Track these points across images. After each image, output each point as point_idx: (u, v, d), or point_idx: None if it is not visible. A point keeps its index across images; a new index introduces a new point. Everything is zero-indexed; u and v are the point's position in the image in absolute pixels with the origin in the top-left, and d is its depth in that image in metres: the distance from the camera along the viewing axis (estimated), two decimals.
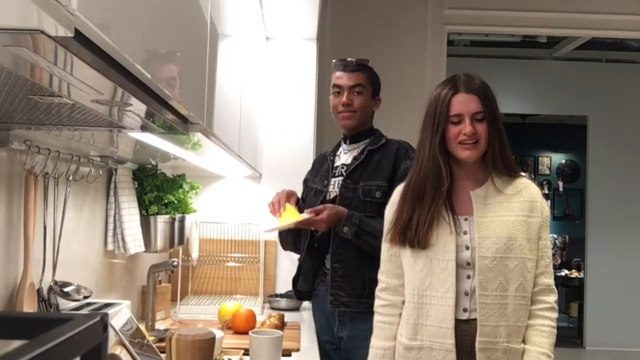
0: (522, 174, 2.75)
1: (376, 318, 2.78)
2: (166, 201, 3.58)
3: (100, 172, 2.95)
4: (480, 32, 8.10)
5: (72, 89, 1.25)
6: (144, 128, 1.86)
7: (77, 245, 2.84)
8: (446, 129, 2.57)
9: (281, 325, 3.54)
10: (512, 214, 2.57)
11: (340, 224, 3.25)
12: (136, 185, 3.48)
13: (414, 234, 2.58)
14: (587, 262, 10.17)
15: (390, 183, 3.22)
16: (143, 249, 3.36)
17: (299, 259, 3.62)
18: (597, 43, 9.03)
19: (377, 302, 2.79)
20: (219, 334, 2.85)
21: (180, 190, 3.73)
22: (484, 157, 2.62)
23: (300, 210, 3.51)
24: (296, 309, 4.30)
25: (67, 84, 1.21)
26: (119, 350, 2.43)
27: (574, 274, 11.65)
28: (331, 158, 3.60)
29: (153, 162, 3.62)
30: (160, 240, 3.56)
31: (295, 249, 3.66)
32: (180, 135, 1.99)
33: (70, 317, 0.90)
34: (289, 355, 3.13)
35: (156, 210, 3.51)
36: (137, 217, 3.35)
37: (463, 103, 2.54)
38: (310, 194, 3.61)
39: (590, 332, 10.04)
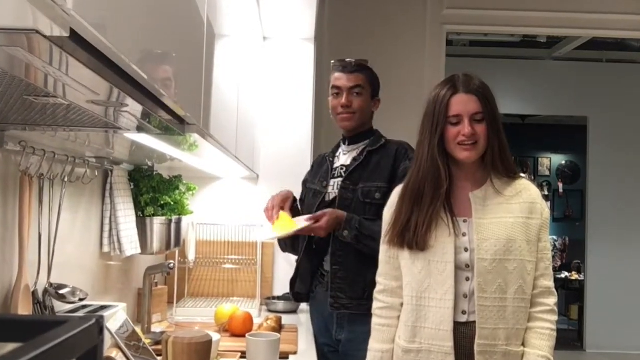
0: (522, 175, 2.75)
1: (374, 320, 2.78)
2: (162, 202, 3.58)
3: (96, 174, 2.95)
4: (479, 32, 8.11)
5: (67, 89, 1.25)
6: (140, 129, 1.86)
7: (72, 247, 2.84)
8: (445, 130, 2.57)
9: (278, 327, 3.54)
10: (511, 215, 2.57)
11: (339, 228, 3.25)
12: (132, 187, 3.48)
13: (413, 236, 2.58)
14: (588, 264, 10.18)
15: (390, 184, 3.22)
16: (139, 250, 3.36)
17: (297, 260, 3.62)
18: (597, 43, 9.04)
19: (375, 305, 2.79)
20: (215, 336, 2.85)
21: (177, 192, 3.73)
22: (483, 158, 2.62)
23: (299, 212, 3.52)
24: (294, 311, 4.30)
25: (62, 84, 1.20)
26: (114, 353, 2.43)
27: (574, 276, 11.66)
28: (330, 159, 3.59)
29: (149, 163, 3.61)
30: (156, 242, 3.55)
31: (293, 251, 3.66)
32: (176, 136, 1.99)
33: (65, 319, 0.90)
34: (287, 358, 3.13)
35: (152, 212, 3.51)
36: (133, 218, 3.35)
37: (462, 104, 2.54)
38: (309, 195, 3.61)
39: (590, 334, 10.04)
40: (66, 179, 2.57)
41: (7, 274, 2.24)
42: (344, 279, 3.30)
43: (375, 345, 2.74)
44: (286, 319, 3.83)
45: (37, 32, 0.86)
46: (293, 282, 3.62)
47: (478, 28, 6.50)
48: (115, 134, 2.04)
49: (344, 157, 3.54)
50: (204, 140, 2.15)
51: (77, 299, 2.55)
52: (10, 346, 0.80)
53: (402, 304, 2.70)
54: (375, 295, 2.80)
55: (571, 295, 11.43)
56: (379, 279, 2.80)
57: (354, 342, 3.24)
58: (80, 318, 0.91)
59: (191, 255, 4.38)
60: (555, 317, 2.60)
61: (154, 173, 3.63)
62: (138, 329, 2.85)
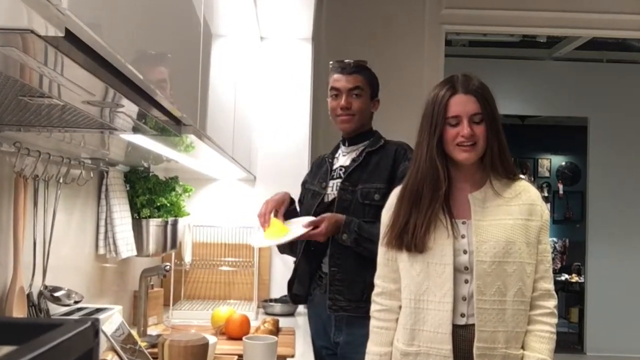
0: (522, 176, 2.75)
1: (372, 323, 2.77)
2: (158, 204, 3.58)
3: (92, 175, 2.95)
4: (478, 32, 8.10)
5: (62, 89, 1.25)
6: (135, 130, 1.86)
7: (67, 249, 2.84)
8: (444, 131, 2.56)
9: (276, 330, 3.54)
10: (511, 217, 2.57)
11: (339, 231, 3.25)
12: (128, 188, 3.47)
13: (411, 238, 2.57)
14: (588, 267, 10.18)
15: (389, 185, 3.21)
16: (135, 253, 3.36)
17: (295, 262, 3.61)
18: (597, 43, 9.04)
19: (373, 307, 2.79)
20: (212, 339, 2.85)
21: (173, 193, 3.73)
22: (483, 159, 2.61)
23: (297, 214, 3.51)
24: (291, 314, 4.30)
25: (57, 84, 1.21)
26: (110, 357, 2.43)
27: (574, 278, 11.65)
28: (330, 160, 3.59)
29: (145, 165, 3.62)
30: (152, 244, 3.55)
31: (291, 253, 3.65)
32: (172, 137, 1.99)
33: (60, 322, 0.90)
34: None
35: (148, 214, 3.51)
36: (129, 220, 3.35)
37: (461, 104, 2.54)
38: (308, 196, 3.61)
39: (590, 337, 10.04)
40: (61, 181, 2.57)
41: (2, 276, 2.24)
42: (342, 281, 3.30)
43: (373, 348, 2.74)
44: (283, 322, 3.83)
45: (32, 32, 0.86)
46: (291, 283, 3.62)
47: (477, 28, 6.51)
48: (110, 134, 2.04)
49: (343, 158, 3.53)
50: (200, 141, 2.15)
51: (72, 301, 2.55)
52: (5, 349, 0.80)
53: (400, 307, 2.70)
54: (373, 297, 2.80)
55: (571, 298, 11.43)
56: (377, 281, 2.79)
57: (352, 345, 3.24)
58: (76, 321, 0.91)
59: (187, 258, 4.38)
60: (555, 320, 2.59)
61: (150, 174, 3.63)
62: (134, 332, 2.85)
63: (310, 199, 3.56)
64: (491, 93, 2.62)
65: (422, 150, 2.61)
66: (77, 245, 2.99)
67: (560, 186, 13.26)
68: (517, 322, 2.52)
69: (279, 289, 4.47)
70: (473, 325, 2.50)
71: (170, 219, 3.67)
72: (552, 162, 13.46)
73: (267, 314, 4.27)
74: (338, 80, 3.48)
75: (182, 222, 3.96)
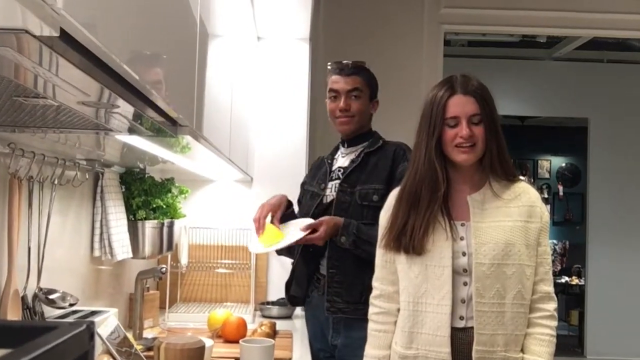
0: (521, 178, 2.75)
1: (370, 326, 2.77)
2: (154, 206, 3.58)
3: (87, 176, 2.95)
4: (477, 32, 8.10)
5: (57, 90, 1.25)
6: (131, 130, 1.87)
7: (62, 251, 2.84)
8: (442, 132, 2.56)
9: (273, 333, 3.54)
10: (510, 219, 2.56)
11: (337, 234, 3.25)
12: (123, 190, 3.48)
13: (409, 240, 2.57)
14: (588, 269, 10.17)
15: (388, 186, 3.21)
16: (130, 255, 3.36)
17: (293, 263, 3.61)
18: (598, 43, 9.04)
19: (371, 310, 2.79)
20: (208, 342, 2.85)
21: (169, 195, 3.73)
22: (482, 160, 2.61)
23: (295, 216, 3.51)
24: (288, 317, 4.30)
25: (52, 85, 1.21)
26: None
27: (575, 280, 11.66)
28: (329, 161, 3.59)
29: (141, 166, 3.62)
30: (148, 246, 3.55)
31: (289, 254, 3.64)
32: (168, 138, 2.00)
33: (55, 325, 0.90)
34: None
35: (144, 215, 3.51)
36: (125, 222, 3.35)
37: (460, 105, 2.54)
38: (307, 197, 3.61)
39: (591, 340, 10.04)
40: (56, 182, 2.57)
41: None
42: (340, 283, 3.30)
43: (371, 351, 2.74)
44: (281, 325, 3.83)
45: (27, 31, 0.86)
46: (288, 285, 3.61)
47: (476, 28, 6.51)
48: (106, 135, 2.04)
49: (342, 160, 3.53)
50: (196, 142, 2.16)
51: (67, 304, 2.55)
52: None
53: (398, 309, 2.69)
54: (371, 300, 2.80)
55: (571, 301, 11.43)
56: (375, 283, 2.79)
57: (349, 348, 3.24)
58: (71, 324, 0.91)
59: (184, 260, 4.38)
60: (555, 323, 2.59)
61: (146, 176, 3.63)
62: (129, 335, 2.85)
63: (308, 200, 3.56)
64: (490, 94, 2.62)
65: (421, 152, 2.61)
66: (72, 247, 2.99)
67: (560, 188, 13.26)
68: (517, 325, 2.52)
69: (276, 291, 4.47)
70: (472, 328, 2.50)
71: (166, 221, 3.67)
72: (552, 163, 13.47)
73: (264, 316, 4.27)
74: (336, 81, 3.48)
75: (178, 223, 3.96)
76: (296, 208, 3.65)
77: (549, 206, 12.86)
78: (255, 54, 4.63)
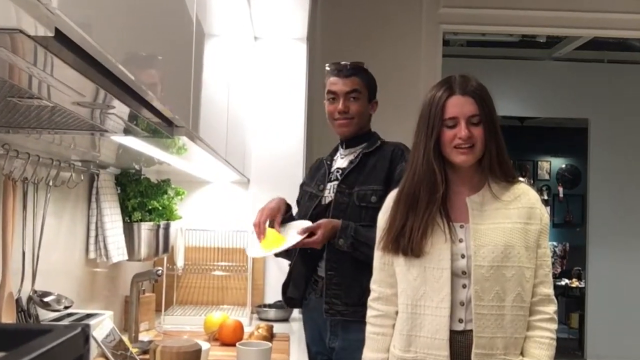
0: (521, 179, 2.75)
1: (368, 329, 2.77)
2: (150, 207, 3.58)
3: (82, 178, 2.95)
4: (476, 32, 8.09)
5: (52, 90, 1.25)
6: (127, 131, 1.87)
7: (57, 254, 2.83)
8: (441, 133, 2.56)
9: (270, 336, 3.54)
10: (509, 221, 2.56)
11: (335, 236, 3.25)
12: (119, 191, 3.47)
13: (408, 242, 2.57)
14: (588, 271, 10.17)
15: (386, 187, 3.21)
16: (126, 257, 3.36)
17: (290, 264, 3.61)
18: (598, 43, 9.04)
19: (369, 313, 2.79)
20: (205, 345, 2.85)
21: (165, 196, 3.73)
22: (481, 162, 2.61)
23: (293, 218, 3.51)
24: (285, 319, 4.30)
25: (47, 85, 1.21)
26: None
27: (575, 283, 11.67)
28: (328, 162, 3.59)
29: (137, 167, 3.61)
30: (144, 248, 3.55)
31: (286, 256, 3.63)
32: (164, 139, 2.00)
33: (50, 328, 0.90)
34: None
35: (140, 217, 3.51)
36: (120, 224, 3.35)
37: (458, 106, 2.54)
38: (305, 198, 3.61)
39: (591, 343, 10.03)
40: (51, 183, 2.57)
41: None
42: (339, 285, 3.30)
43: (369, 355, 2.74)
44: (278, 328, 3.83)
45: (21, 31, 0.86)
46: (285, 286, 3.60)
47: (475, 27, 6.51)
48: (101, 136, 2.04)
49: (341, 161, 3.53)
50: (193, 143, 2.15)
51: (62, 306, 2.55)
52: None
53: (397, 312, 2.69)
54: (369, 303, 2.80)
55: (571, 303, 11.44)
56: (373, 286, 2.79)
57: (347, 351, 3.23)
58: (66, 327, 0.92)
59: (180, 262, 4.38)
60: (555, 326, 2.60)
61: (142, 177, 3.63)
62: (125, 338, 2.85)
63: (307, 201, 3.56)
64: (489, 94, 2.62)
65: (419, 153, 2.61)
66: (67, 250, 2.98)
67: (560, 189, 13.27)
68: (516, 328, 2.52)
69: (273, 294, 4.47)
70: (471, 331, 2.50)
71: (162, 223, 3.66)
72: (551, 164, 13.48)
73: (261, 319, 4.26)
74: (335, 83, 3.47)
75: (174, 225, 3.96)
76: (295, 209, 3.65)
77: (548, 208, 12.86)
78: (252, 54, 4.63)
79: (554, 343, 2.58)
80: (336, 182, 3.43)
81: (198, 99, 2.22)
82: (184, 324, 4.00)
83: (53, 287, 2.59)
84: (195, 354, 2.49)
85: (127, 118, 1.59)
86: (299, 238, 3.22)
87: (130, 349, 2.75)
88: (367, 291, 2.85)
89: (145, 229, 3.54)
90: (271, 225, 3.38)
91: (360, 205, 3.31)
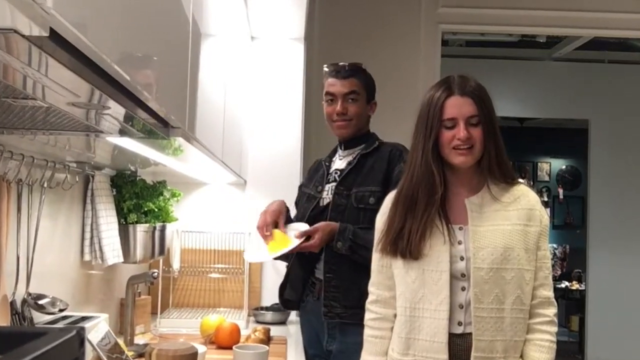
0: (520, 180, 2.75)
1: (366, 332, 2.77)
2: (146, 209, 3.58)
3: (77, 179, 2.95)
4: (476, 32, 8.08)
5: (47, 91, 1.25)
6: (122, 132, 1.87)
7: (52, 256, 2.83)
8: (439, 134, 2.56)
9: (267, 339, 3.54)
10: (509, 222, 2.56)
11: (333, 239, 3.25)
12: (114, 193, 3.47)
13: (406, 244, 2.57)
14: (589, 274, 10.16)
15: (385, 188, 3.21)
16: (122, 259, 3.35)
17: (288, 266, 3.61)
18: (599, 43, 9.03)
19: (367, 316, 2.79)
20: (201, 348, 2.85)
21: (161, 198, 3.72)
22: (480, 163, 2.61)
23: (291, 220, 3.51)
24: (283, 322, 4.30)
25: (41, 86, 1.21)
26: None
27: (575, 285, 11.67)
28: (326, 164, 3.59)
29: (132, 168, 3.61)
30: (139, 250, 3.55)
31: (284, 258, 3.63)
32: (160, 140, 2.00)
33: (45, 331, 0.91)
34: None
35: (135, 219, 3.51)
36: (116, 226, 3.35)
37: (457, 106, 2.54)
38: (303, 199, 3.61)
39: (591, 346, 10.02)
40: (45, 185, 2.56)
41: None
42: (338, 287, 3.30)
43: (367, 358, 2.73)
44: (275, 331, 3.84)
45: (15, 31, 0.86)
46: (282, 288, 3.61)
47: (474, 27, 6.50)
48: (96, 137, 2.04)
49: (340, 162, 3.54)
50: (189, 144, 2.15)
51: (57, 309, 2.54)
52: None
53: (395, 315, 2.69)
54: (368, 305, 2.79)
55: (571, 306, 11.44)
56: (371, 288, 2.79)
57: (345, 354, 3.23)
58: (60, 329, 0.92)
59: (176, 264, 4.38)
60: (555, 329, 2.60)
61: (137, 178, 3.63)
62: (120, 341, 2.85)
63: (305, 203, 3.56)
64: (488, 94, 2.62)
65: (417, 154, 2.61)
66: (62, 252, 2.98)
67: (560, 191, 13.27)
68: (516, 331, 2.52)
69: (270, 296, 4.46)
70: (470, 334, 2.50)
71: (158, 225, 3.66)
72: (551, 165, 13.47)
73: (258, 322, 4.27)
74: (333, 84, 3.48)
75: (170, 227, 3.96)
76: (293, 211, 3.65)
77: (548, 209, 12.85)
78: (249, 54, 4.63)
79: (554, 346, 2.58)
80: (334, 184, 3.43)
81: (194, 100, 2.22)
82: (180, 326, 4.00)
83: (48, 289, 2.59)
84: (191, 357, 2.49)
85: (123, 119, 1.59)
86: (297, 242, 3.22)
87: (126, 352, 2.75)
88: (365, 294, 2.84)
89: (140, 231, 3.54)
90: (275, 227, 3.38)
91: (358, 207, 3.31)
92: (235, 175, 3.91)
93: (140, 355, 3.07)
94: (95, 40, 1.06)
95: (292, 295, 3.55)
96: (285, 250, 3.25)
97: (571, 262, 12.48)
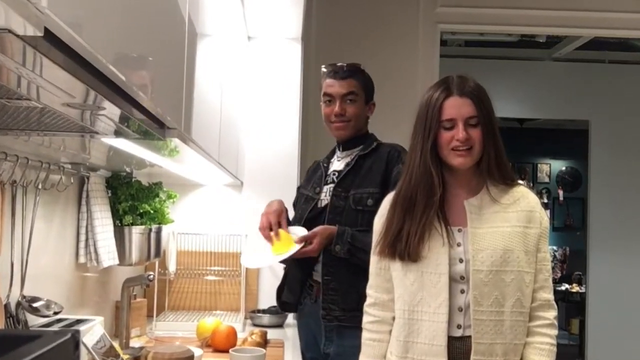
0: (520, 182, 2.75)
1: (364, 335, 2.76)
2: (141, 211, 3.58)
3: (72, 180, 2.95)
4: (475, 32, 8.06)
5: (41, 91, 1.25)
6: (118, 133, 1.87)
7: (46, 258, 2.83)
8: (438, 135, 2.56)
9: (264, 342, 3.54)
10: (508, 224, 2.56)
11: (331, 242, 3.24)
12: (109, 194, 3.47)
13: (405, 246, 2.56)
14: (589, 276, 10.15)
15: (383, 189, 3.21)
16: (117, 261, 3.35)
17: (285, 268, 3.60)
18: (599, 43, 9.03)
19: (365, 319, 2.78)
20: (197, 352, 2.85)
21: (157, 200, 3.72)
22: (479, 164, 2.61)
23: (289, 222, 3.50)
24: (280, 325, 4.30)
25: (36, 86, 1.21)
26: None
27: (575, 288, 11.67)
28: (325, 165, 3.59)
29: (128, 170, 3.61)
30: (135, 252, 3.54)
31: (282, 260, 3.63)
32: (156, 141, 2.00)
33: (39, 334, 0.90)
34: None
35: (131, 221, 3.50)
36: (111, 227, 3.34)
37: (456, 107, 2.53)
38: (301, 201, 3.61)
39: (592, 349, 10.02)
40: (40, 186, 2.56)
41: None
42: (336, 290, 3.30)
43: None
44: (272, 334, 3.83)
45: (10, 31, 0.86)
46: (280, 290, 3.60)
47: (473, 27, 6.50)
48: (91, 138, 2.04)
49: (338, 163, 3.53)
50: (185, 145, 2.15)
51: (51, 312, 2.54)
52: None
53: (393, 318, 2.69)
54: (366, 308, 2.79)
55: (572, 308, 11.43)
56: (369, 291, 2.79)
57: (342, 357, 3.23)
58: (55, 332, 0.92)
59: (172, 267, 4.38)
60: (555, 332, 2.59)
61: (133, 180, 3.63)
62: (116, 344, 2.85)
63: (303, 204, 3.56)
64: (488, 95, 2.62)
65: (416, 155, 2.61)
66: (57, 254, 2.98)
67: (560, 192, 13.26)
68: (516, 334, 2.52)
69: (267, 299, 4.45)
70: (470, 337, 2.50)
71: (154, 227, 3.66)
72: (551, 167, 13.47)
73: (254, 325, 4.26)
74: (331, 85, 3.47)
75: (166, 229, 3.96)
76: (291, 213, 3.65)
77: (548, 211, 12.85)
78: (246, 54, 4.63)
79: (554, 349, 2.57)
80: (332, 185, 3.43)
81: (190, 100, 2.22)
82: (176, 329, 4.00)
83: (42, 292, 2.59)
84: None
85: (118, 119, 1.59)
86: (297, 247, 3.22)
87: (121, 355, 2.75)
88: (364, 296, 2.84)
89: (136, 233, 3.54)
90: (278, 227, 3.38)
91: (356, 209, 3.31)
92: (231, 176, 3.91)
93: (136, 358, 3.06)
94: (90, 40, 1.06)
95: (289, 297, 3.55)
96: (285, 255, 3.25)
97: (571, 265, 12.47)
